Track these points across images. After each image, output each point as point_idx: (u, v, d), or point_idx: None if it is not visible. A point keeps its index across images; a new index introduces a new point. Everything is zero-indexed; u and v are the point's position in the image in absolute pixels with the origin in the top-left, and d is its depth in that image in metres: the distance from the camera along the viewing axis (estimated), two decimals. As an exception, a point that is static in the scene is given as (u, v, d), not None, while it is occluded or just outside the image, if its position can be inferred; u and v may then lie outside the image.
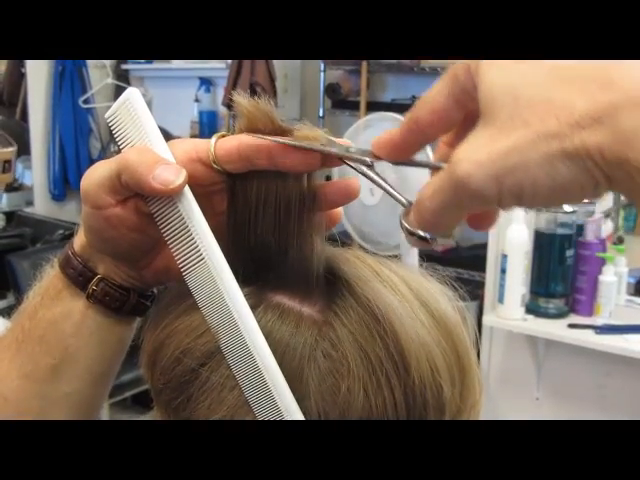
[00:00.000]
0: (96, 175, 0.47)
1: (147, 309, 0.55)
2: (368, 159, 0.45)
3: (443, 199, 0.39)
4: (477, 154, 0.37)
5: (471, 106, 0.40)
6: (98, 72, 4.13)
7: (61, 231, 3.46)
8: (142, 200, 0.47)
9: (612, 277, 2.40)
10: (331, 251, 0.50)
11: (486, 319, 2.53)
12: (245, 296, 0.46)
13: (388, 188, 0.45)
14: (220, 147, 0.46)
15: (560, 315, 2.45)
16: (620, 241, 2.79)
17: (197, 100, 4.12)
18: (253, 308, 0.46)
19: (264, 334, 0.45)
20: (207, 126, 4.11)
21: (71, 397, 0.54)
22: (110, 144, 4.17)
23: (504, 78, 0.37)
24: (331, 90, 3.79)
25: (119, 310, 0.53)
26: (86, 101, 4.05)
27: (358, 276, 0.47)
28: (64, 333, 0.52)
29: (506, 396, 2.71)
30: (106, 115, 0.49)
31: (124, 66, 4.24)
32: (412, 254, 2.36)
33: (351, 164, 0.46)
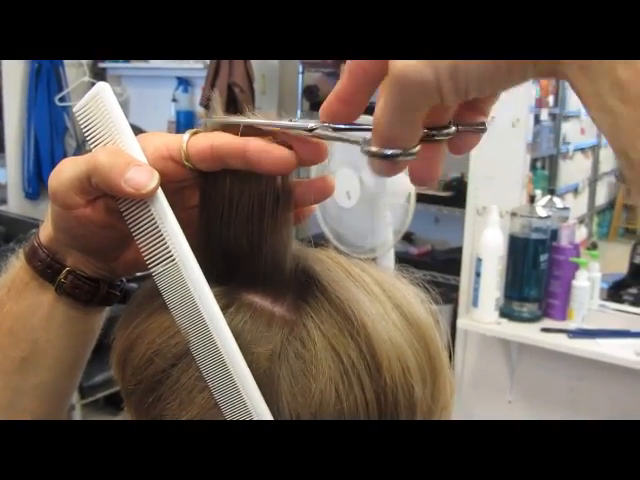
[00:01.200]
0: (65, 175, 0.46)
1: (117, 299, 0.54)
2: (309, 124, 0.43)
3: (391, 106, 0.38)
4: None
5: None
6: (75, 70, 4.09)
7: (34, 230, 3.41)
8: (112, 198, 0.46)
9: (585, 282, 2.43)
10: (304, 251, 0.50)
11: (460, 322, 2.55)
12: (216, 296, 0.45)
13: (341, 135, 0.43)
14: (193, 146, 0.45)
15: (533, 319, 2.47)
16: (594, 247, 2.83)
17: (174, 100, 4.10)
18: (225, 308, 0.45)
19: (235, 334, 0.44)
20: (184, 126, 4.09)
21: (41, 388, 0.54)
22: (86, 143, 4.13)
23: None
24: (309, 92, 3.79)
25: (89, 302, 0.52)
26: (62, 99, 4.02)
27: (331, 276, 0.47)
28: (33, 326, 0.52)
29: (479, 399, 2.73)
30: (74, 109, 0.48)
31: (101, 64, 4.21)
32: (388, 256, 2.37)
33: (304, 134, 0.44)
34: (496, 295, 2.44)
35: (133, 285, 0.56)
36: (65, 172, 0.46)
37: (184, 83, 4.09)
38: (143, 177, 0.44)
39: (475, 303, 2.46)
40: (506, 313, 2.48)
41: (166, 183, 0.45)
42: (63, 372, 0.55)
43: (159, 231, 0.45)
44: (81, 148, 4.17)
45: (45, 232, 0.52)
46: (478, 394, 2.73)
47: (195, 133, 0.46)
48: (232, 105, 3.76)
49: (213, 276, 0.46)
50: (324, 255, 0.50)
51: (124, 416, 0.51)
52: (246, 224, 0.46)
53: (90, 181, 0.45)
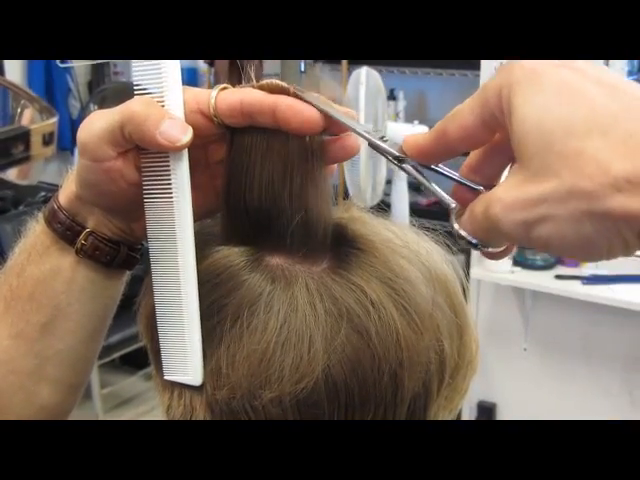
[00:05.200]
0: (96, 126, 0.45)
1: (137, 262, 0.54)
2: (397, 153, 0.44)
3: (482, 227, 0.40)
4: (508, 197, 0.37)
5: (500, 132, 0.40)
6: (74, 29, 4.04)
7: (43, 193, 3.42)
8: (139, 151, 0.46)
9: (599, 227, 2.40)
10: (332, 210, 0.49)
11: (473, 272, 2.54)
12: (242, 254, 0.46)
13: (434, 188, 0.45)
14: (222, 101, 0.45)
15: (547, 267, 2.47)
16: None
17: (177, 57, 4.05)
18: (251, 270, 0.45)
19: (266, 299, 0.44)
20: (186, 84, 4.03)
21: (64, 354, 0.54)
22: (90, 104, 4.09)
23: (537, 119, 0.36)
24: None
25: (109, 264, 0.52)
26: (63, 60, 3.97)
27: (361, 236, 0.47)
28: (54, 290, 0.51)
29: (494, 347, 2.74)
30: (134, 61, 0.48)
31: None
32: (402, 204, 2.35)
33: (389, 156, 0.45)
34: (509, 243, 2.42)
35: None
36: (96, 123, 0.46)
37: (186, 39, 4.04)
38: (177, 131, 0.44)
39: (488, 252, 2.45)
40: (519, 261, 2.48)
41: (193, 138, 0.45)
42: (85, 338, 0.55)
43: (169, 185, 0.46)
44: (85, 109, 4.14)
45: (65, 193, 0.51)
46: (494, 343, 2.74)
47: (223, 89, 0.46)
48: (236, 63, 3.71)
49: (238, 235, 0.46)
50: (353, 215, 0.50)
51: (140, 375, 0.51)
52: (274, 182, 0.45)
53: (122, 132, 0.45)
